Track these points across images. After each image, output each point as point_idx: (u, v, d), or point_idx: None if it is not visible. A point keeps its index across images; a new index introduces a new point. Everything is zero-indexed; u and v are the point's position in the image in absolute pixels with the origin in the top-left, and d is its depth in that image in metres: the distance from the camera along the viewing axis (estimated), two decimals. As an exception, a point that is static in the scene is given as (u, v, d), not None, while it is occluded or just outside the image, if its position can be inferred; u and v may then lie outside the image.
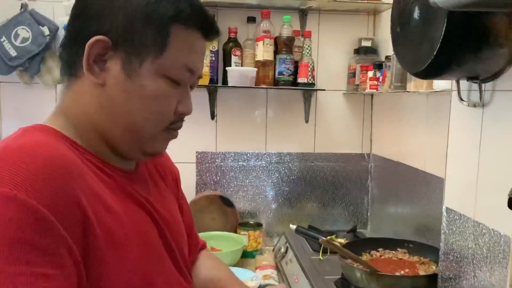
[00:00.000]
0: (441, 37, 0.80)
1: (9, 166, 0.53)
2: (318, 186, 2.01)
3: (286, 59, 1.79)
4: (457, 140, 1.04)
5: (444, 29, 0.79)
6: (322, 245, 1.41)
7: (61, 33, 1.78)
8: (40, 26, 1.74)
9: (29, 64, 1.75)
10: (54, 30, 1.76)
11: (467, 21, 0.79)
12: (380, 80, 1.63)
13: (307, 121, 1.97)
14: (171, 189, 0.87)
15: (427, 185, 1.52)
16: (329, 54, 1.95)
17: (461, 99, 0.98)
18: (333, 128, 2.00)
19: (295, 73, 1.82)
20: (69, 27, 0.66)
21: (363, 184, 2.03)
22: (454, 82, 1.01)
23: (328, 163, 2.01)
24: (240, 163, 1.96)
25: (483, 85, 0.91)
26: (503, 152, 0.87)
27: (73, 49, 0.65)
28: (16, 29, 1.73)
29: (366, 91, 1.73)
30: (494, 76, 0.88)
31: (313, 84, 1.83)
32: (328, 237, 1.26)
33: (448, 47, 0.80)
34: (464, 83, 0.98)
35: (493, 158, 0.91)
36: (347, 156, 2.02)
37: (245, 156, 1.96)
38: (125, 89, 0.64)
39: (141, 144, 0.69)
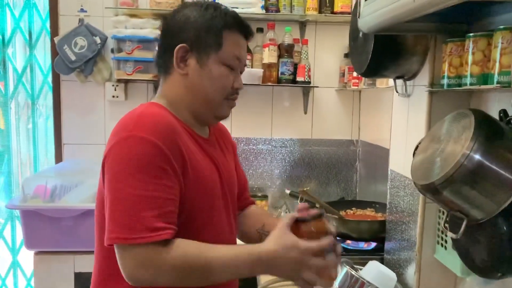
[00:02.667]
0: (371, 50, 1.22)
1: (148, 121, 0.90)
2: (315, 167, 2.44)
3: (287, 62, 2.22)
4: (396, 122, 1.46)
5: (372, 45, 1.21)
6: (300, 196, 1.82)
7: (110, 42, 2.25)
8: (94, 36, 2.22)
9: (85, 66, 2.23)
10: (104, 40, 2.24)
11: (388, 40, 1.21)
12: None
13: (305, 113, 2.40)
14: (230, 155, 1.18)
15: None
16: (324, 58, 2.38)
17: (397, 92, 1.40)
18: (327, 118, 2.42)
19: (294, 73, 2.25)
20: (160, 44, 1.04)
21: (352, 165, 2.45)
22: (393, 80, 1.42)
23: (323, 148, 2.43)
24: (250, 146, 2.41)
25: (407, 82, 1.33)
26: (417, 127, 1.29)
27: (165, 57, 1.01)
28: (75, 39, 2.21)
29: (352, 88, 2.15)
30: (413, 75, 1.30)
31: (309, 82, 2.26)
32: (305, 188, 1.67)
33: (376, 57, 1.23)
34: (399, 81, 1.40)
35: (413, 131, 1.32)
36: (339, 142, 2.44)
37: (254, 141, 2.41)
38: (200, 75, 0.99)
39: (213, 110, 1.03)
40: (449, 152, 0.92)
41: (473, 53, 1.02)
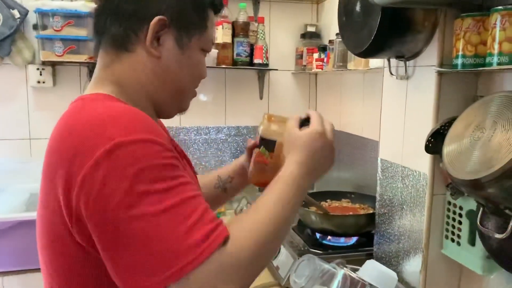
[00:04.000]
0: (377, 25, 1.07)
1: (127, 119, 0.65)
2: (271, 155, 2.28)
3: (243, 42, 2.02)
4: (388, 106, 1.34)
5: (379, 20, 1.06)
6: None
7: (32, 16, 1.88)
8: (10, 9, 1.83)
9: (0, 45, 1.84)
10: (24, 14, 1.86)
11: (396, 14, 1.07)
12: (325, 61, 1.91)
13: (261, 98, 2.22)
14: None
15: (364, 148, 1.83)
16: (279, 38, 2.21)
17: (391, 74, 1.27)
18: (284, 103, 2.27)
19: (251, 54, 2.06)
20: (122, 6, 0.75)
21: (310, 152, 2.32)
22: (385, 60, 1.29)
23: (279, 135, 2.28)
24: (202, 136, 2.18)
25: (407, 62, 1.20)
26: (421, 112, 1.17)
27: (126, 25, 0.75)
28: (-14, 12, 1.81)
29: (313, 70, 2.01)
30: (415, 55, 1.18)
31: (267, 65, 2.08)
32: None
33: (382, 34, 1.08)
34: (393, 61, 1.27)
35: (415, 117, 1.21)
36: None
37: (206, 130, 2.18)
38: (177, 59, 0.78)
39: (181, 103, 0.84)
40: (499, 143, 0.80)
41: (503, 29, 0.91)
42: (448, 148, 0.91)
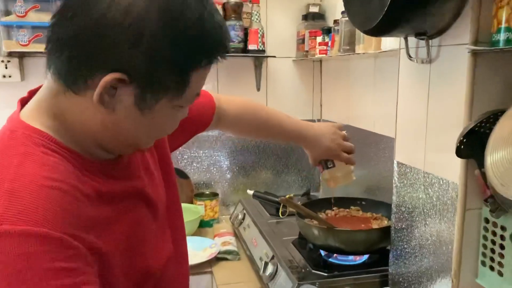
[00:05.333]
0: (391, -7, 0.81)
1: (26, 201, 0.54)
2: (272, 154, 2.04)
3: (236, 25, 1.77)
4: (406, 97, 1.08)
5: (394, -15, 0.81)
6: (281, 205, 1.44)
7: (-8, 1, 1.65)
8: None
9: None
10: (-17, -2, 1.63)
11: (416, -23, 0.81)
12: (329, 44, 1.65)
13: (258, 89, 1.97)
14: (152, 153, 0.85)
15: (376, 146, 1.57)
16: (277, 21, 1.95)
17: (410, 57, 1.01)
18: (284, 96, 2.02)
19: (245, 40, 1.80)
20: (76, 41, 0.57)
21: (315, 149, 2.07)
22: (402, 41, 1.04)
23: (280, 130, 2.03)
24: (192, 134, 1.94)
25: (430, 41, 0.95)
26: (449, 104, 0.92)
27: (77, 67, 0.58)
28: None
29: (316, 56, 1.75)
30: (441, 31, 0.92)
31: (263, 51, 1.83)
32: (287, 196, 1.28)
33: (398, 3, 0.82)
34: (411, 41, 1.01)
35: (440, 111, 0.95)
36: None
37: (197, 127, 1.94)
38: (134, 120, 0.62)
39: (138, 149, 0.72)
40: None
41: None
42: (494, 156, 0.67)
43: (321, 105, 2.06)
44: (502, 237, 0.85)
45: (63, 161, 0.61)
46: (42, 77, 1.86)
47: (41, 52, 1.66)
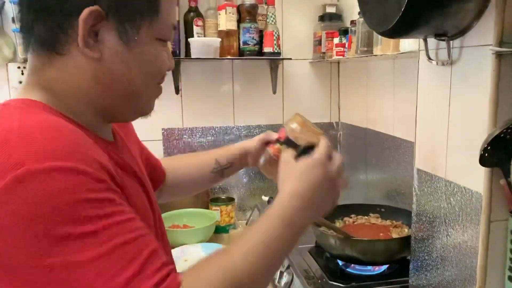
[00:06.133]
0: (408, -7, 0.77)
1: (43, 138, 0.51)
2: (289, 157, 2.00)
3: (250, 28, 1.73)
4: (426, 100, 1.03)
5: (411, -17, 0.76)
6: None
7: (8, 8, 1.66)
8: (-15, 1, 1.62)
9: (-24, 42, 1.63)
10: (0, 4, 1.64)
11: (435, -26, 0.77)
12: (346, 46, 1.60)
13: (274, 92, 1.94)
14: (135, 146, 0.86)
15: (396, 150, 1.52)
16: (293, 22, 1.91)
17: (430, 59, 0.96)
18: (301, 98, 1.98)
19: (260, 42, 1.77)
20: (42, 2, 0.59)
21: (333, 152, 2.02)
22: (421, 42, 0.99)
23: (297, 134, 1.99)
24: (208, 138, 1.92)
25: (451, 42, 0.89)
26: (472, 108, 0.87)
27: (51, 23, 0.59)
28: (-42, 5, 1.60)
29: (333, 58, 1.71)
30: (462, 32, 0.87)
31: (279, 54, 1.79)
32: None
33: (416, 2, 0.78)
34: (431, 42, 0.96)
35: (463, 116, 0.90)
36: (316, 126, 1.99)
37: (213, 131, 1.92)
38: (123, 59, 0.61)
39: (138, 106, 0.68)
40: None
41: None
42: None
43: (339, 108, 2.01)
44: (531, 251, 0.79)
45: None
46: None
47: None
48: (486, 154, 0.79)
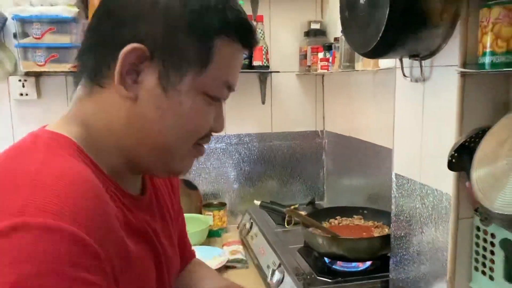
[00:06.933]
0: (386, 20, 0.89)
1: (55, 197, 0.47)
2: (277, 164, 2.11)
3: (241, 43, 1.84)
4: (402, 113, 1.15)
5: (388, 13, 0.88)
6: (287, 215, 1.51)
7: (10, 24, 1.74)
8: (-12, 17, 1.69)
9: (-22, 57, 1.71)
10: (2, 21, 1.72)
11: (408, 5, 0.89)
12: (330, 60, 1.73)
13: (263, 103, 2.05)
14: (170, 204, 0.81)
15: (376, 156, 1.64)
16: (281, 38, 2.03)
17: (405, 76, 1.09)
18: (288, 108, 2.10)
19: (250, 56, 1.88)
20: (96, 29, 0.60)
21: (318, 159, 2.15)
22: (397, 60, 1.11)
23: (285, 142, 2.11)
24: (200, 146, 2.01)
25: (423, 62, 1.02)
26: (442, 120, 0.99)
27: (99, 54, 0.58)
28: (-39, 21, 1.68)
29: (318, 71, 1.83)
30: (432, 53, 0.99)
31: (267, 67, 1.91)
32: (292, 206, 1.35)
33: (392, 29, 0.90)
34: (406, 61, 1.09)
35: (434, 126, 1.02)
36: (303, 134, 2.12)
37: (205, 139, 2.02)
38: (159, 106, 0.58)
39: (168, 163, 0.63)
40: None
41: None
42: (479, 172, 0.74)
43: (323, 117, 2.13)
44: (492, 244, 0.91)
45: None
46: (57, 95, 1.96)
47: (56, 72, 1.75)
48: (453, 160, 0.91)
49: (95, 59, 0.59)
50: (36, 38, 1.69)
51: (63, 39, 1.70)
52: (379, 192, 1.62)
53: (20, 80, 1.79)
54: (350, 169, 1.92)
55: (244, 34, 0.61)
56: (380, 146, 1.61)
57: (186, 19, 0.56)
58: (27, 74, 1.77)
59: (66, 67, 1.73)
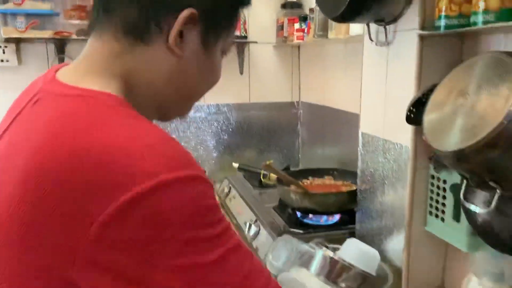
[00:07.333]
0: (352, -14, 0.97)
1: (166, 151, 0.51)
2: (255, 134, 2.20)
3: (220, 13, 1.90)
4: (369, 75, 1.25)
5: (354, -21, 0.97)
6: (262, 171, 1.60)
7: (-10, -10, 1.75)
8: (-33, -17, 1.70)
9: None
10: (-18, -13, 1.73)
11: (372, -28, 0.97)
12: (305, 31, 1.81)
13: (241, 73, 2.12)
14: None
15: (348, 123, 1.74)
16: (259, 9, 2.09)
17: (371, 39, 1.18)
18: (266, 79, 2.18)
19: (228, 27, 1.94)
20: None
21: (294, 129, 2.24)
22: (365, 26, 1.20)
23: (262, 112, 2.19)
24: (180, 115, 2.08)
25: (387, 27, 1.11)
26: (403, 80, 1.09)
27: (148, 12, 0.59)
28: None
29: (294, 42, 1.91)
30: (395, 18, 1.08)
31: (245, 37, 1.97)
32: (268, 162, 1.44)
33: (358, -6, 0.98)
34: (373, 27, 1.18)
35: (397, 86, 1.12)
36: (279, 105, 2.21)
37: (185, 108, 2.08)
38: (199, 63, 0.64)
39: (184, 109, 0.70)
40: (483, 109, 0.72)
41: (489, -16, 0.82)
42: (429, 117, 0.83)
43: (299, 88, 2.22)
44: (444, 190, 1.03)
45: None
46: (38, 62, 1.98)
47: (37, 38, 1.78)
48: (411, 114, 1.01)
49: (143, 17, 0.59)
50: (16, 4, 1.71)
51: (43, 6, 1.73)
52: (349, 156, 1.72)
53: (0, 47, 1.81)
54: (323, 137, 2.02)
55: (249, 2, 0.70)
56: (351, 113, 1.71)
57: None
58: (7, 40, 1.79)
59: (47, 33, 1.76)
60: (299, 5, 2.03)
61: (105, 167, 0.47)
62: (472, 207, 0.81)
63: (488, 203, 0.79)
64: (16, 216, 0.50)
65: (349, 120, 1.73)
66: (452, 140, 0.76)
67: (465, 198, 0.84)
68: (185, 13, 0.59)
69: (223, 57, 0.70)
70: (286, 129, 2.23)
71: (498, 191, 0.75)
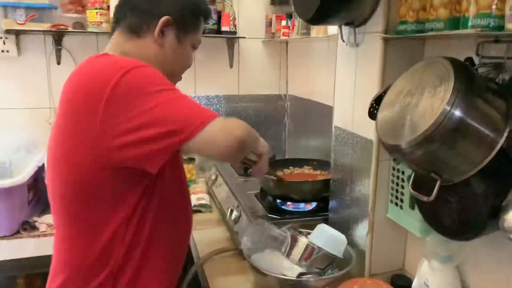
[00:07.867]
0: (322, -8, 1.06)
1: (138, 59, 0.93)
2: (243, 124, 2.29)
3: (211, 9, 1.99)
4: (341, 74, 1.34)
5: (323, -14, 1.06)
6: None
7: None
8: (-31, -24, 1.79)
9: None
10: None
11: (340, -21, 1.06)
12: (291, 28, 1.90)
13: (231, 66, 2.21)
14: None
15: (329, 116, 1.83)
16: (248, 5, 2.18)
17: (343, 40, 1.27)
18: (254, 72, 2.27)
19: (218, 22, 2.03)
20: (140, 4, 1.02)
21: (281, 121, 2.34)
22: (338, 27, 1.29)
23: (251, 104, 2.29)
24: (172, 105, 2.18)
25: (356, 29, 1.20)
26: (369, 78, 1.18)
27: (142, 19, 1.01)
28: None
29: (281, 38, 2.00)
30: (363, 22, 1.18)
31: (235, 33, 2.06)
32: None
33: (327, 0, 1.07)
34: (346, 29, 1.27)
35: (364, 83, 1.22)
36: (267, 97, 2.30)
37: (176, 99, 2.18)
38: (174, 50, 1.05)
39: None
40: (424, 108, 0.82)
41: (440, -6, 0.91)
42: (381, 114, 0.93)
43: (287, 81, 2.31)
44: (403, 180, 1.13)
45: None
46: (36, 53, 2.06)
47: (36, 31, 1.87)
48: (374, 110, 1.11)
49: (139, 21, 1.02)
50: (16, -2, 1.80)
51: (43, 0, 1.82)
52: (330, 147, 1.82)
53: (1, 38, 1.90)
54: (308, 129, 2.12)
55: (208, 16, 1.15)
56: (331, 106, 1.80)
57: (192, 6, 1.07)
58: (8, 32, 1.88)
59: (45, 26, 1.85)
60: (286, 2, 2.11)
61: (101, 71, 0.90)
62: (418, 196, 0.91)
63: (431, 192, 0.89)
64: (56, 128, 0.96)
65: (330, 113, 1.82)
66: (398, 136, 0.85)
67: (414, 187, 0.94)
68: (164, 18, 1.02)
69: (194, 50, 1.11)
70: (273, 121, 2.33)
71: (438, 181, 0.85)
